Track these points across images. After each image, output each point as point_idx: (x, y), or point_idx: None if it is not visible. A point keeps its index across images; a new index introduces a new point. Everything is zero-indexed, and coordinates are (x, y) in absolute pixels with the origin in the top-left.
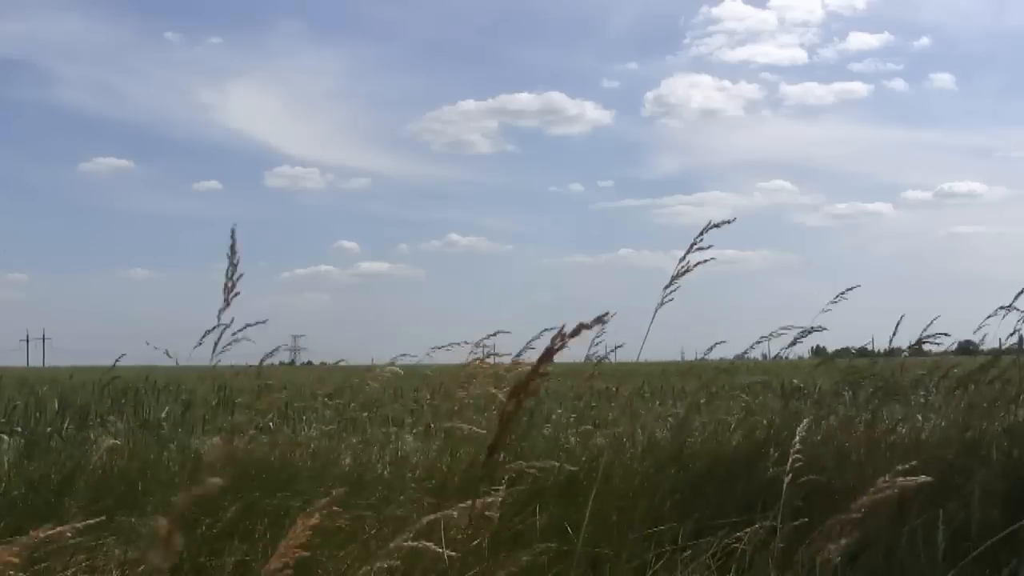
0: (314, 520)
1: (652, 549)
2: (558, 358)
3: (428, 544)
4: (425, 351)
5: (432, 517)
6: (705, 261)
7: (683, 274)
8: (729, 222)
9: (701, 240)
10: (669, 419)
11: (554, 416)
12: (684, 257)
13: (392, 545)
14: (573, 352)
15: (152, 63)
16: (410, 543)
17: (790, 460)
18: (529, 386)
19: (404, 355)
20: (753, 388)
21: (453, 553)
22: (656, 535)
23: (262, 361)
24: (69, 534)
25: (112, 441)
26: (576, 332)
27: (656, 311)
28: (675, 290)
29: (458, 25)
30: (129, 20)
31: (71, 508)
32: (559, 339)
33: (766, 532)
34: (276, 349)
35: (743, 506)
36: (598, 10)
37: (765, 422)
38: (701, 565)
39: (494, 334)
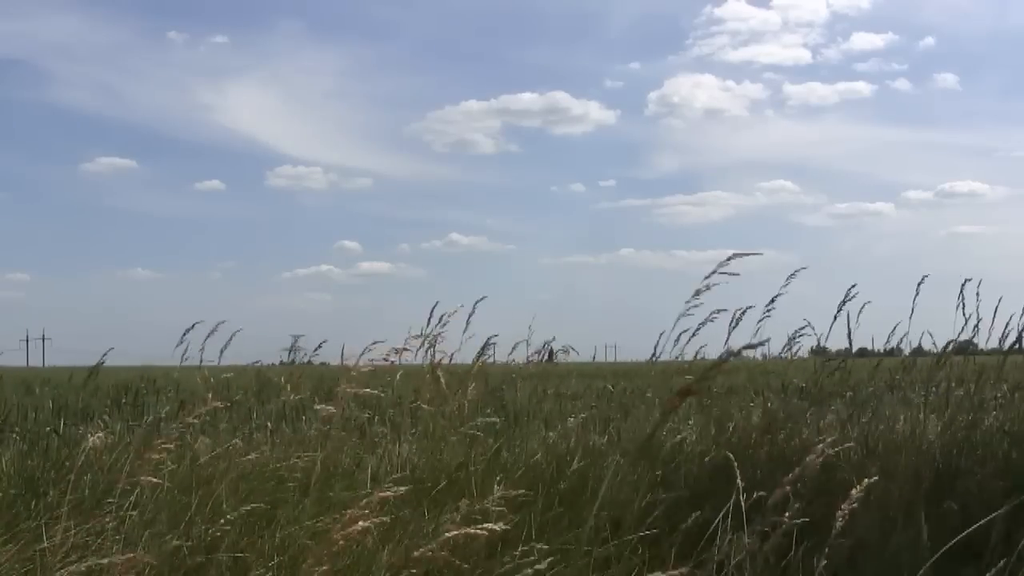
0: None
1: (647, 550)
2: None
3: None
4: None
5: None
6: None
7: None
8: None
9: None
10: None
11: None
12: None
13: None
14: (575, 353)
15: (153, 63)
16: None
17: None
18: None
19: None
20: (753, 388)
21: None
22: (652, 536)
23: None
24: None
25: (108, 438)
26: None
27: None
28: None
29: (459, 25)
30: (130, 20)
31: (67, 505)
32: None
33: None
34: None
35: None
36: (599, 9)
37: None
38: (696, 566)
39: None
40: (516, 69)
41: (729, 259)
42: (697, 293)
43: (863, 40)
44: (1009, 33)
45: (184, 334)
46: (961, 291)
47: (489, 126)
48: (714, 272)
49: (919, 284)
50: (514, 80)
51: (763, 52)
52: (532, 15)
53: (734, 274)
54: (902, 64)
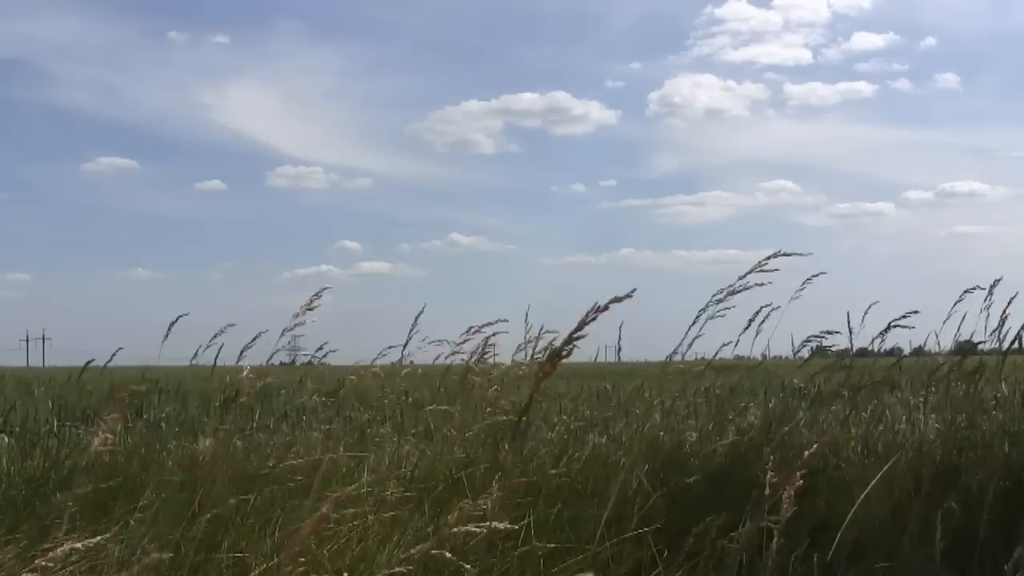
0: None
1: (647, 548)
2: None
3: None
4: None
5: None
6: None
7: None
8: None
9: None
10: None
11: (555, 418)
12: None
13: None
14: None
15: (153, 63)
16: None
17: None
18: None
19: (391, 347)
20: (753, 388)
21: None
22: (651, 534)
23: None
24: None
25: (109, 438)
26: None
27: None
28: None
29: (459, 25)
30: (130, 20)
31: (68, 506)
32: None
33: (761, 533)
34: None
35: (738, 506)
36: (599, 9)
37: (758, 422)
38: (696, 565)
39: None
40: (516, 69)
41: (768, 258)
42: (732, 293)
43: (864, 40)
44: (1009, 33)
45: (164, 338)
46: (971, 292)
47: (489, 126)
48: (751, 272)
49: (958, 299)
50: (514, 80)
51: (764, 52)
52: (532, 15)
53: (774, 270)
54: (903, 64)
